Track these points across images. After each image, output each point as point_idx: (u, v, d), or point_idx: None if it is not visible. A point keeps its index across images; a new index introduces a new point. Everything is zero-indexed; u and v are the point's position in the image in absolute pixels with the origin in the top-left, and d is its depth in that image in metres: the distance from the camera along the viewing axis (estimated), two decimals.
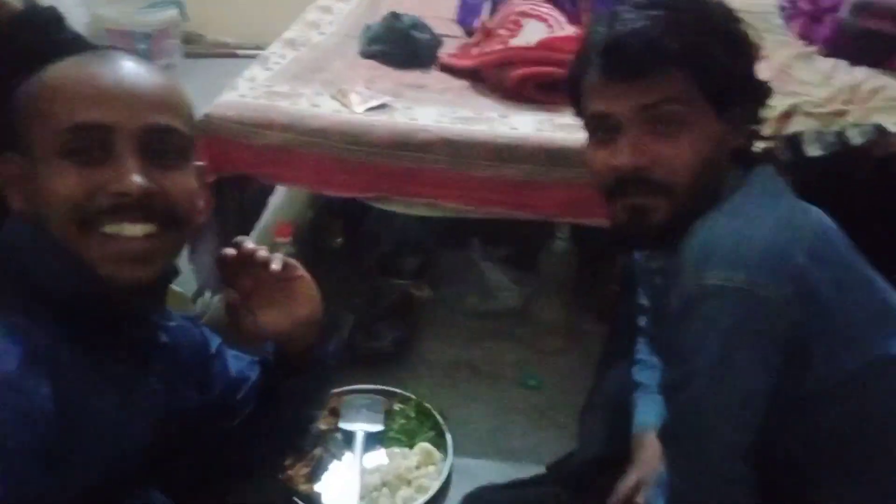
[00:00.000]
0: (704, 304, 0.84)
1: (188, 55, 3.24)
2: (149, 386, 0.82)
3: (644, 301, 1.22)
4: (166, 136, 0.73)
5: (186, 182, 0.75)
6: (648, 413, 1.18)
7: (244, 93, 1.74)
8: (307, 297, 0.90)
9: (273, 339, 0.93)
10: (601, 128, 0.96)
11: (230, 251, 0.85)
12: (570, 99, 1.04)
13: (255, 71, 1.88)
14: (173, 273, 0.83)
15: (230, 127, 1.64)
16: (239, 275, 0.87)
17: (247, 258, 0.86)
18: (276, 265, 0.87)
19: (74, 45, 1.42)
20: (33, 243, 0.70)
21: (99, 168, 0.68)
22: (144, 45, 3.02)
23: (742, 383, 0.85)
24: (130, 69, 0.73)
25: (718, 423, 0.87)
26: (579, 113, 1.03)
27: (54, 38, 1.41)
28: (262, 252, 0.87)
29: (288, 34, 2.16)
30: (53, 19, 1.47)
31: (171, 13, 3.08)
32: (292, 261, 0.91)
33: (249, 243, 0.88)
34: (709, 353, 0.84)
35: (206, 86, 1.83)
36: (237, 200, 1.75)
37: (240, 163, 1.67)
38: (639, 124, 0.91)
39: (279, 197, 2.10)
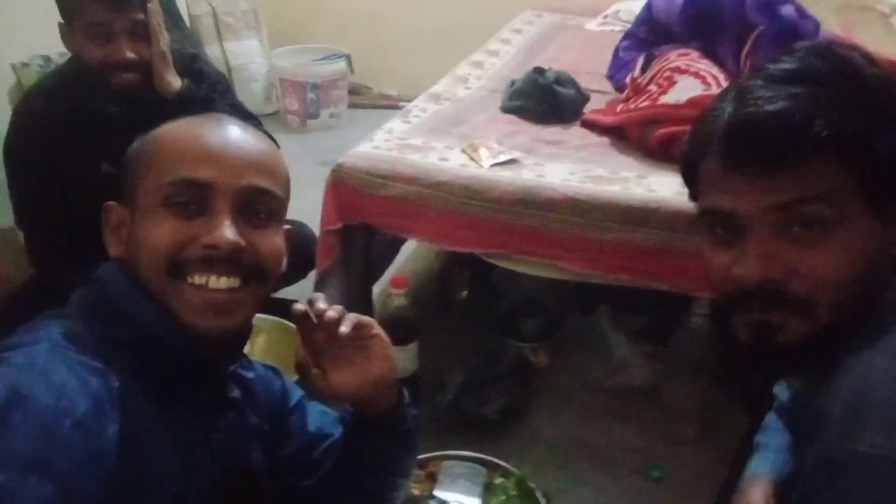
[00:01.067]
0: (849, 475, 0.66)
1: (352, 105, 3.41)
2: (212, 443, 0.80)
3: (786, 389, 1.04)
4: (260, 197, 0.76)
5: (274, 242, 0.77)
6: (760, 463, 1.01)
7: (378, 144, 1.77)
8: (381, 358, 0.86)
9: (346, 400, 0.90)
10: (721, 225, 0.77)
11: (301, 307, 0.83)
12: (685, 181, 0.87)
13: (393, 123, 1.91)
14: (248, 331, 0.83)
15: (359, 177, 1.66)
16: (313, 331, 0.84)
17: (318, 317, 0.83)
18: (345, 328, 0.83)
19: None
20: (121, 286, 0.73)
21: (194, 221, 0.72)
22: (313, 94, 3.22)
23: None
24: (236, 133, 0.77)
25: None
26: (694, 198, 0.85)
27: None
28: (332, 312, 0.83)
29: (435, 88, 2.19)
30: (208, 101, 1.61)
31: (340, 66, 3.27)
32: (368, 319, 0.87)
33: (322, 302, 0.85)
34: None
35: (365, 135, 1.88)
36: (363, 249, 1.76)
37: (366, 212, 1.69)
38: (770, 226, 0.73)
39: (411, 244, 2.10)
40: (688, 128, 1.54)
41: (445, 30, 3.36)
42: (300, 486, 0.96)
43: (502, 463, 1.50)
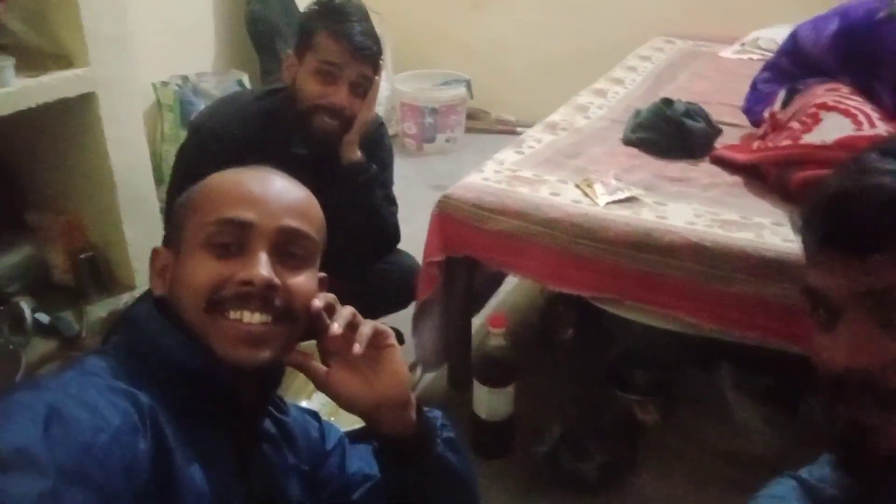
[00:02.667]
0: None
1: (469, 130, 3.38)
2: (244, 475, 0.79)
3: None
4: (297, 239, 0.79)
5: (306, 283, 0.79)
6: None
7: (488, 176, 1.70)
8: (390, 373, 0.81)
9: (346, 407, 0.84)
10: (821, 306, 0.69)
11: (318, 304, 0.79)
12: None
13: (506, 154, 1.84)
14: (280, 371, 0.84)
15: (465, 209, 1.60)
16: (325, 329, 0.80)
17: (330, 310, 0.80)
18: (358, 347, 0.78)
19: None
20: (154, 322, 0.76)
21: (234, 260, 0.75)
22: (431, 118, 3.22)
23: None
24: (277, 180, 0.82)
25: None
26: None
27: None
28: (337, 327, 0.78)
29: (552, 117, 2.11)
30: None
31: (460, 91, 3.25)
32: (383, 328, 0.82)
33: (341, 309, 0.81)
34: None
35: (480, 160, 1.84)
36: (465, 282, 1.69)
37: (469, 246, 1.62)
38: (865, 312, 0.65)
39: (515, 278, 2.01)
40: None
41: (567, 57, 3.27)
42: None
43: None
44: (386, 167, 1.75)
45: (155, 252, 0.82)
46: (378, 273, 1.79)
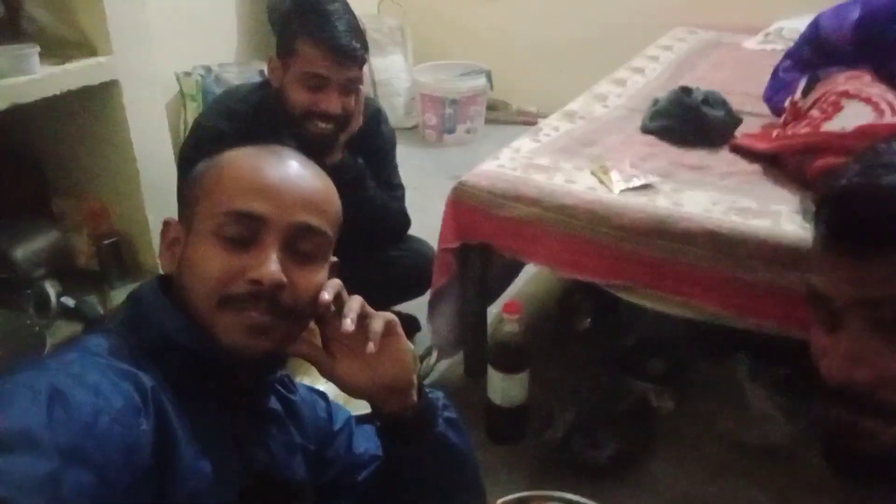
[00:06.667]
0: None
1: (490, 121, 3.38)
2: (246, 450, 0.79)
3: None
4: (309, 235, 0.77)
5: (314, 281, 0.78)
6: None
7: (503, 163, 1.70)
8: (393, 360, 0.82)
9: (352, 394, 0.85)
10: (823, 307, 0.65)
11: (327, 297, 0.78)
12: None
13: (522, 142, 1.84)
14: (281, 356, 0.83)
15: (480, 196, 1.60)
16: (333, 317, 0.80)
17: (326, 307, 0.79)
18: (349, 323, 0.77)
19: None
20: (156, 301, 0.76)
21: (244, 254, 0.74)
22: (451, 109, 3.22)
23: None
24: (295, 169, 0.79)
25: None
26: None
27: None
28: (354, 310, 0.78)
29: (570, 106, 2.10)
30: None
31: (480, 82, 3.25)
32: (389, 317, 0.82)
33: (350, 301, 0.80)
34: None
35: (497, 151, 1.83)
36: (479, 269, 1.70)
37: (484, 232, 1.63)
38: (864, 321, 0.61)
39: (533, 266, 2.01)
40: None
41: (589, 48, 3.25)
42: None
43: None
44: (385, 154, 1.75)
45: (167, 224, 0.82)
46: (394, 261, 1.80)
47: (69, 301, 1.93)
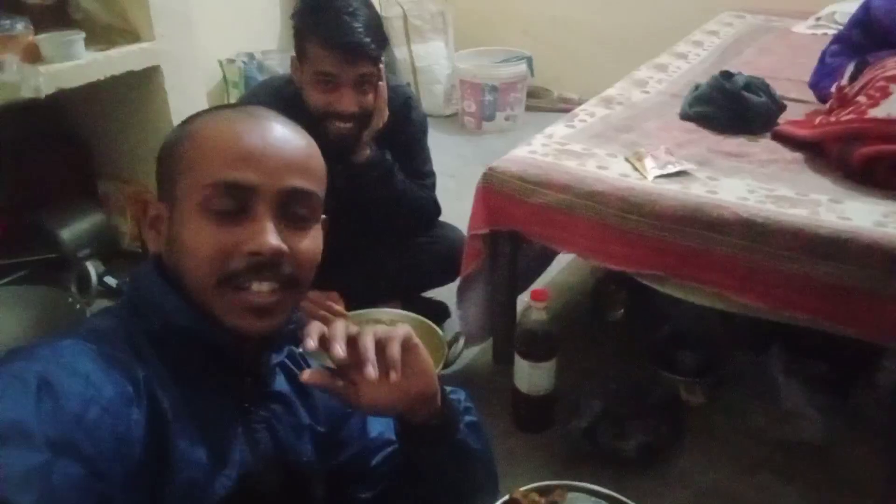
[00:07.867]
0: None
1: (530, 108, 3.35)
2: (249, 434, 0.77)
3: None
4: (301, 199, 0.74)
5: (312, 245, 0.76)
6: None
7: (535, 149, 1.68)
8: (420, 373, 0.77)
9: (381, 415, 0.84)
10: None
11: (312, 344, 0.73)
12: None
13: (556, 127, 1.81)
14: (282, 333, 0.79)
15: (510, 182, 1.59)
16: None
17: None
18: (372, 371, 0.71)
19: None
20: (153, 282, 0.74)
21: (237, 227, 0.71)
22: (491, 96, 3.20)
23: None
24: (277, 132, 0.75)
25: None
26: None
27: None
28: (339, 350, 0.71)
29: (608, 91, 2.06)
30: None
31: (520, 69, 3.22)
32: (406, 330, 0.77)
33: (364, 340, 0.73)
34: None
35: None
36: (509, 256, 1.69)
37: (514, 219, 1.61)
38: None
39: (568, 255, 1.98)
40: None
41: (633, 34, 3.19)
42: (360, 499, 0.91)
43: None
44: (416, 142, 1.74)
45: (144, 203, 0.78)
46: (424, 247, 1.81)
47: (112, 281, 2.00)
